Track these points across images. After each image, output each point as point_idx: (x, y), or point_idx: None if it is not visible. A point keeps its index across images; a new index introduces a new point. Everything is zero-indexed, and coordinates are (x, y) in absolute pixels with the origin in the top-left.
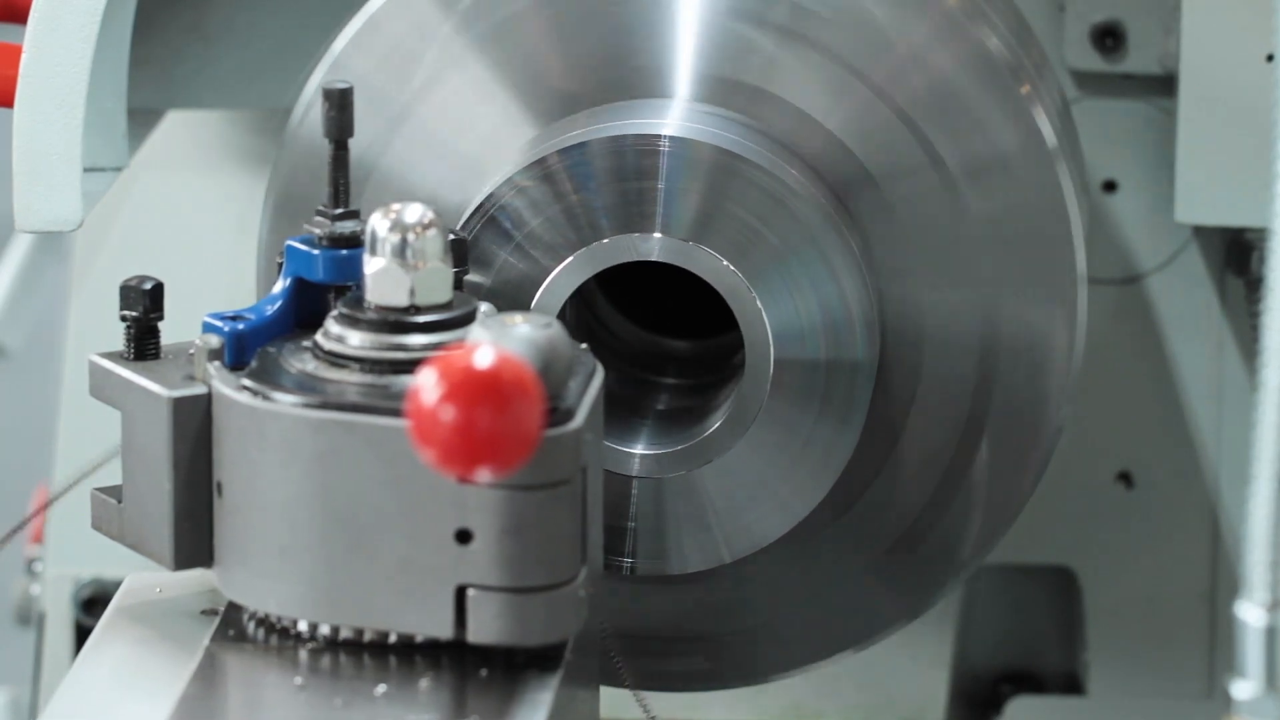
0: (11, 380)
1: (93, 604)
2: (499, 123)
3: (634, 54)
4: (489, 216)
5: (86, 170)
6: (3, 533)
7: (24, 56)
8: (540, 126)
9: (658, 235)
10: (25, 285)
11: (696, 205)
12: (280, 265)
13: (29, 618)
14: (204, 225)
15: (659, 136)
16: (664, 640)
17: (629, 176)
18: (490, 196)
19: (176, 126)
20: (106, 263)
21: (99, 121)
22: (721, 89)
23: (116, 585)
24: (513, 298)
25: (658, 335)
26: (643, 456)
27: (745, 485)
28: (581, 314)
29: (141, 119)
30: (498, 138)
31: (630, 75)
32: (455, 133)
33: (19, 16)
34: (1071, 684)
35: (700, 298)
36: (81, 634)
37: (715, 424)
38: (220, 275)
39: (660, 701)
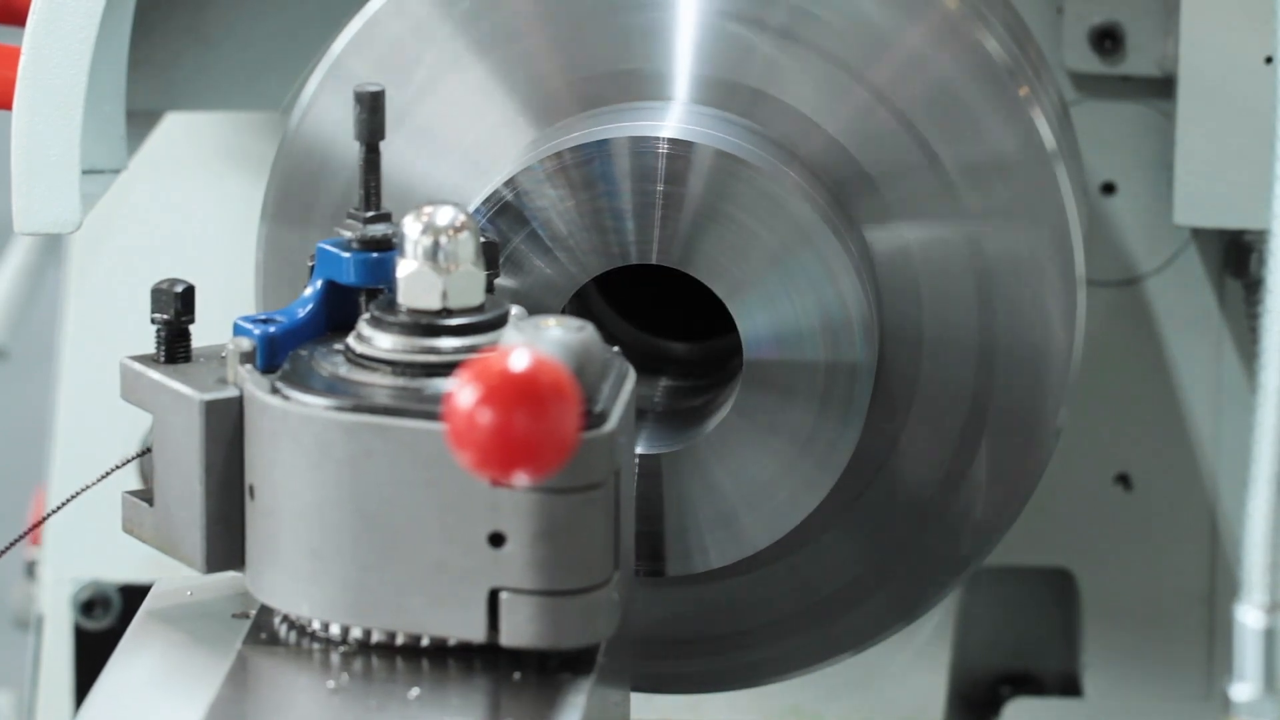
0: (11, 382)
1: (91, 606)
2: (498, 124)
3: (633, 56)
4: (489, 214)
5: (85, 172)
6: (2, 532)
7: (22, 58)
8: (539, 128)
9: (656, 237)
10: (25, 287)
11: (695, 208)
12: (311, 268)
13: (28, 621)
14: (202, 227)
15: (658, 139)
16: (663, 642)
17: (628, 179)
18: (491, 195)
19: (175, 128)
20: (105, 265)
21: (97, 123)
22: (721, 91)
23: (115, 588)
24: (511, 294)
25: (656, 337)
26: (641, 458)
27: (744, 487)
28: (579, 315)
29: (140, 121)
30: (497, 139)
31: (630, 77)
32: (454, 134)
33: (18, 18)
34: (1070, 686)
35: (699, 299)
36: (80, 637)
37: (713, 425)
38: (219, 277)
39: (660, 703)
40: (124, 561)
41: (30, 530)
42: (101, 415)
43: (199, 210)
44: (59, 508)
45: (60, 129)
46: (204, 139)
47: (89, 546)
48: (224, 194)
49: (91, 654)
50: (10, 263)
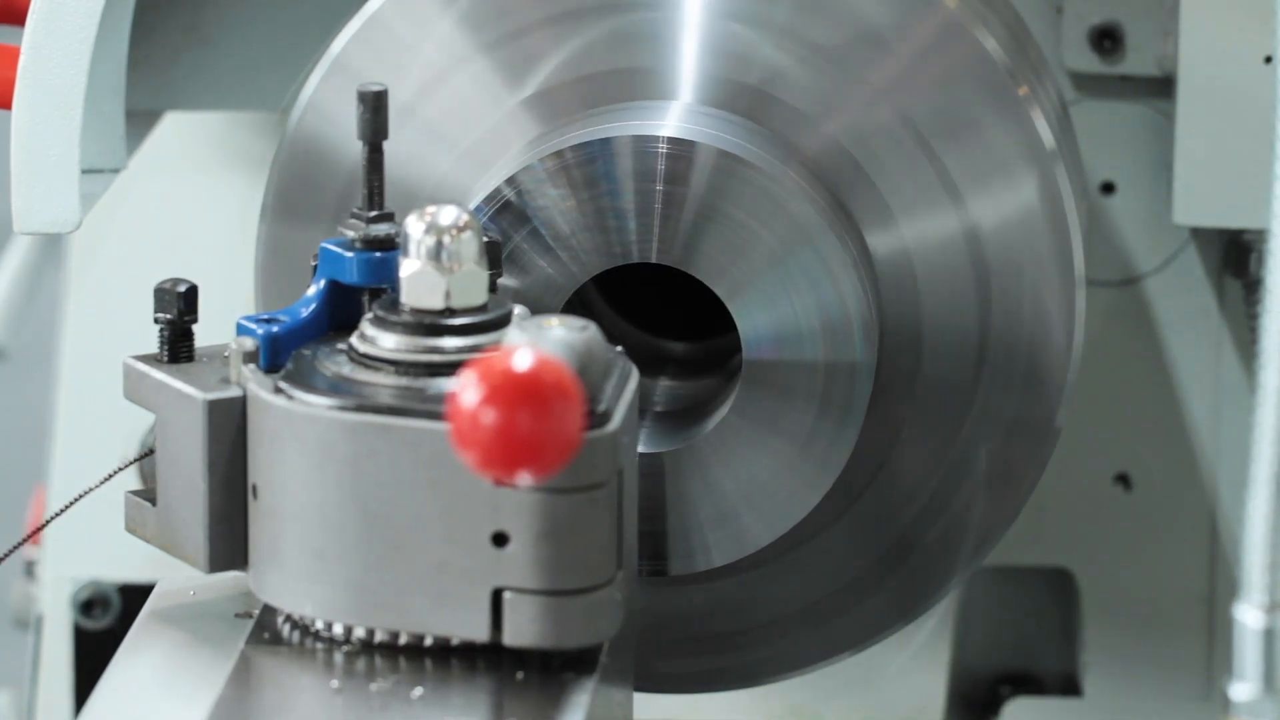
0: (11, 382)
1: (91, 606)
2: (499, 123)
3: (635, 55)
4: (490, 212)
5: (84, 172)
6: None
7: (22, 58)
8: (541, 127)
9: (656, 237)
10: (24, 287)
11: (695, 207)
12: (314, 268)
13: (27, 620)
14: (202, 227)
15: (658, 138)
16: (662, 642)
17: (629, 178)
18: (493, 193)
19: (174, 128)
20: (105, 264)
21: (97, 123)
22: (722, 91)
23: (115, 588)
24: (512, 293)
25: (655, 336)
26: (641, 457)
27: (744, 486)
28: (578, 315)
29: (139, 120)
30: (497, 138)
31: (631, 77)
32: (456, 133)
33: (17, 18)
34: (1070, 685)
35: (698, 299)
36: (80, 636)
37: (713, 425)
38: (218, 277)
39: (659, 703)
40: (124, 561)
41: (31, 535)
42: (101, 415)
43: (199, 210)
44: (60, 512)
45: (60, 129)
46: (203, 139)
47: (88, 546)
48: (223, 194)
49: (91, 654)
50: (10, 263)
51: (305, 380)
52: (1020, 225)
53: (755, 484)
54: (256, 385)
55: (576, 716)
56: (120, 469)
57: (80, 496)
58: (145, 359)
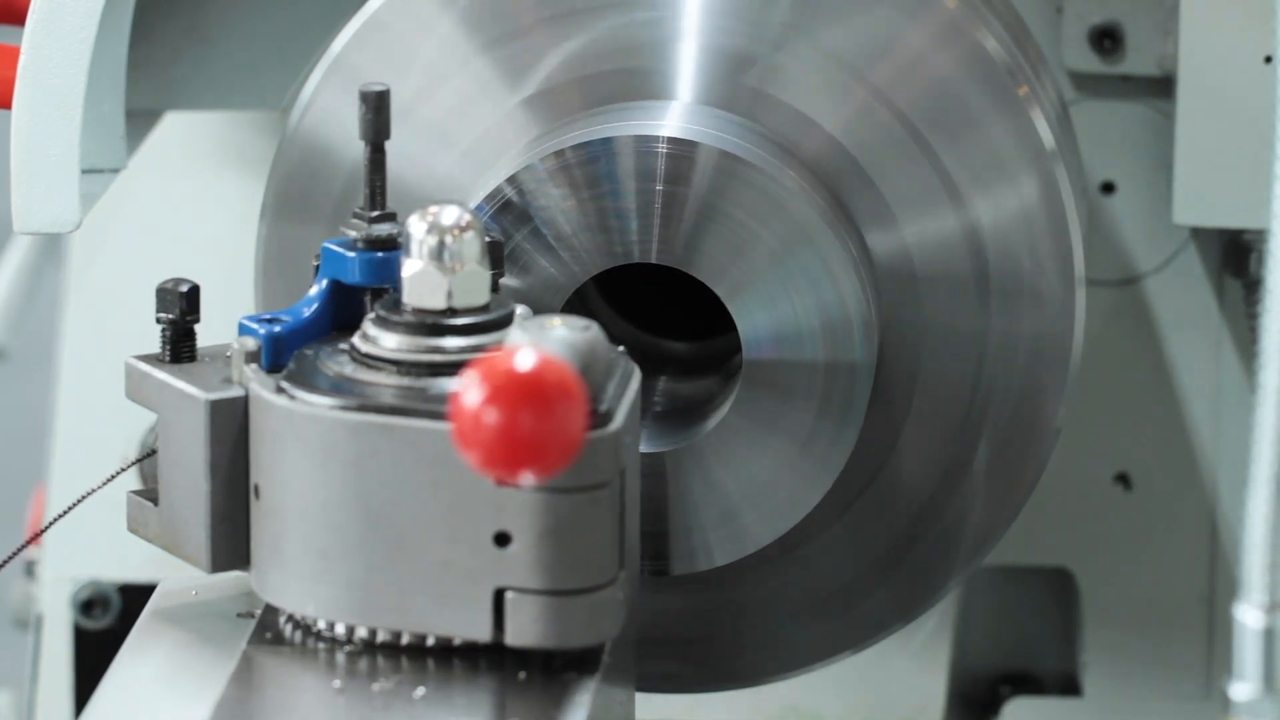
0: (11, 382)
1: (91, 606)
2: (499, 123)
3: (635, 55)
4: (491, 212)
5: (84, 172)
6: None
7: (22, 58)
8: (541, 127)
9: (656, 237)
10: (24, 287)
11: (696, 207)
12: (316, 267)
13: (27, 620)
14: (202, 226)
15: (659, 138)
16: (661, 642)
17: (630, 177)
18: (494, 192)
19: (174, 128)
20: (105, 265)
21: (97, 123)
22: (721, 91)
23: (115, 588)
24: (512, 292)
25: (655, 336)
26: (642, 457)
27: (745, 485)
28: (578, 314)
29: (139, 120)
30: (498, 138)
31: (631, 76)
32: (455, 133)
33: (17, 18)
34: (1069, 685)
35: (698, 298)
36: (80, 636)
37: (713, 425)
38: (218, 277)
39: (658, 703)
40: (124, 561)
41: (32, 539)
42: (101, 415)
43: (199, 210)
44: (62, 514)
45: (60, 129)
46: (204, 138)
47: (88, 546)
48: (224, 194)
49: (91, 654)
50: (10, 263)
51: (307, 380)
52: (1020, 225)
53: (756, 484)
54: (259, 385)
55: (579, 716)
56: (122, 470)
57: (82, 499)
58: (147, 359)
